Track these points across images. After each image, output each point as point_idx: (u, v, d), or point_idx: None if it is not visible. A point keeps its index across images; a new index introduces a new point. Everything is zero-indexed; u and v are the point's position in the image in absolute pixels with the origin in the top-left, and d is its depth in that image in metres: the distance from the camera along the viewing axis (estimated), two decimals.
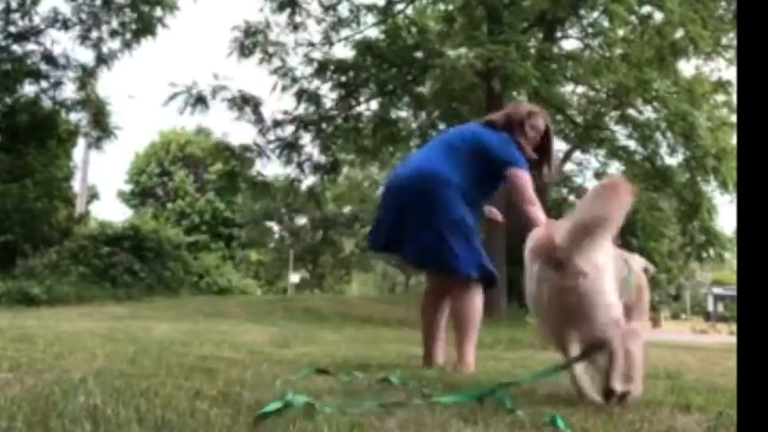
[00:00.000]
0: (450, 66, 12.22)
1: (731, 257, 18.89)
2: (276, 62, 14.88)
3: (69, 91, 16.75)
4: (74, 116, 17.19)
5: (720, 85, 16.57)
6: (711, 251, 16.48)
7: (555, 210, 17.94)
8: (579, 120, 17.83)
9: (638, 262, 2.76)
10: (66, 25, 16.10)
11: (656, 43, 12.99)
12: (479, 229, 3.80)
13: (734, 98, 15.98)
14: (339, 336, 6.85)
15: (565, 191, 20.54)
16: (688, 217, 15.98)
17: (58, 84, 16.55)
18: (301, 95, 14.91)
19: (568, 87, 17.57)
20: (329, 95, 15.21)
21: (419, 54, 13.86)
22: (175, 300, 14.24)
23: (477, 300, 3.67)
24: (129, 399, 2.11)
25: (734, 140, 13.99)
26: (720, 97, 17.10)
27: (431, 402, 2.30)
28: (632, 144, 17.15)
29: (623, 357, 2.28)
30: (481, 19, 13.90)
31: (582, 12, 14.26)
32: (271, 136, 15.26)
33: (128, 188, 37.46)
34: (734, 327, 17.82)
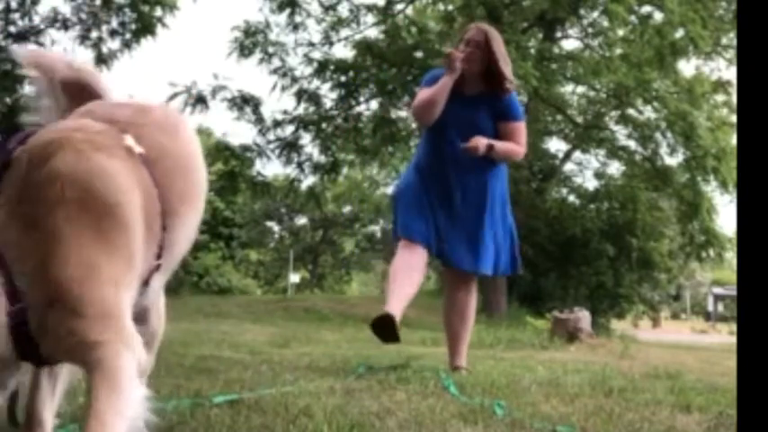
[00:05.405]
0: None
1: (731, 257, 18.86)
2: (276, 62, 14.86)
3: None
4: None
5: (720, 85, 16.58)
6: (711, 251, 16.45)
7: (555, 209, 17.92)
8: (579, 120, 17.82)
9: None
10: (65, 25, 16.05)
11: (656, 43, 12.97)
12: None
13: (734, 98, 15.98)
14: (339, 336, 6.84)
15: (565, 191, 20.49)
16: (688, 217, 15.96)
17: None
18: (301, 95, 14.89)
19: (568, 87, 17.56)
20: (329, 95, 15.20)
21: (419, 54, 13.85)
22: (175, 300, 14.22)
23: None
24: None
25: (734, 140, 13.99)
26: (720, 97, 17.11)
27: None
28: (632, 144, 17.15)
29: None
30: (481, 19, 13.89)
31: (582, 12, 14.26)
32: (271, 136, 15.24)
33: None
34: (734, 327, 17.81)
